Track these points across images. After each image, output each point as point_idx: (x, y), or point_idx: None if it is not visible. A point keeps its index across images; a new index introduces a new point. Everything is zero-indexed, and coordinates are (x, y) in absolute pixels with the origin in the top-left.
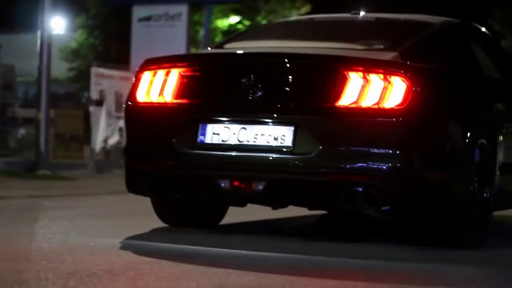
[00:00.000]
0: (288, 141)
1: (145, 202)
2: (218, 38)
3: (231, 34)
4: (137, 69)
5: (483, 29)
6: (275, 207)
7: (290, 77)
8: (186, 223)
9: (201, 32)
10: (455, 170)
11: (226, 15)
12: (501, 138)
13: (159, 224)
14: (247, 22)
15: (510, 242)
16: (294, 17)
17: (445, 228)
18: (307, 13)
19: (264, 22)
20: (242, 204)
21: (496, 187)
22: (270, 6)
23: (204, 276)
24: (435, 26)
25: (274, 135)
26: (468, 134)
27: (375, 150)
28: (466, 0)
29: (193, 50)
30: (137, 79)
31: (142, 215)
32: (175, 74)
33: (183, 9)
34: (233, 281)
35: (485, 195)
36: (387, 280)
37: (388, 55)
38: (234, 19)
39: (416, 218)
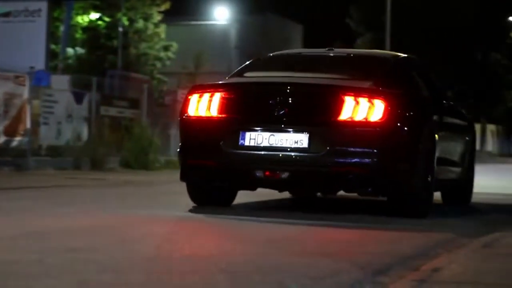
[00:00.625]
0: (305, 144)
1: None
2: (79, 35)
3: (91, 30)
4: (187, 93)
5: (417, 58)
6: (295, 193)
7: (304, 99)
8: (209, 203)
9: (61, 28)
10: (414, 163)
11: (86, 11)
12: (437, 140)
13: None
14: (107, 19)
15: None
16: (285, 50)
17: (407, 202)
18: (167, 11)
19: (124, 19)
20: (272, 188)
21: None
22: (131, 3)
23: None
24: (391, 60)
25: (295, 139)
26: (422, 138)
27: (363, 150)
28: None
29: (54, 47)
30: (187, 100)
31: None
32: (217, 96)
33: (42, 5)
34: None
35: (429, 180)
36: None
37: (366, 84)
38: (94, 15)
39: (389, 196)
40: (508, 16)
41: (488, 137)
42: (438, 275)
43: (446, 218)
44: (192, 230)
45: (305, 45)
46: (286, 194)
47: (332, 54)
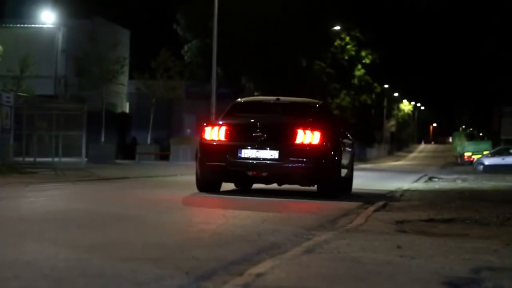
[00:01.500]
0: (276, 156)
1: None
2: None
3: None
4: (203, 126)
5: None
6: (270, 183)
7: (275, 131)
8: (211, 191)
9: None
10: (333, 168)
11: None
12: (342, 154)
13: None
14: None
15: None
16: (251, 98)
17: (333, 190)
18: None
19: None
20: (257, 182)
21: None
22: None
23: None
24: (317, 104)
25: (270, 154)
26: (337, 153)
27: (309, 159)
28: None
29: None
30: (203, 130)
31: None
32: (223, 129)
33: None
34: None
35: (339, 177)
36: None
37: (307, 121)
38: None
39: (318, 186)
40: (333, 25)
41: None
42: (261, 280)
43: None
44: (19, 233)
45: (133, 50)
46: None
47: (282, 102)
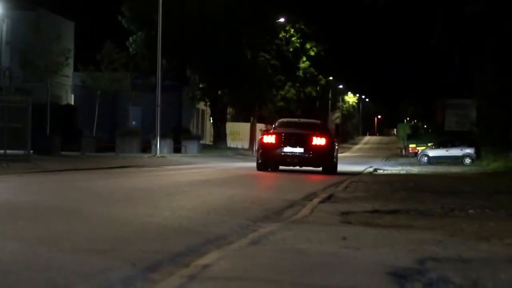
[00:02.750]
0: (302, 151)
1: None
2: None
3: None
4: (262, 133)
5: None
6: (297, 166)
7: (301, 138)
8: (264, 170)
9: None
10: (333, 157)
11: None
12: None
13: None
14: None
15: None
16: (286, 119)
17: (330, 170)
18: None
19: None
20: (292, 166)
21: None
22: None
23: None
24: (319, 122)
25: (298, 150)
26: (334, 149)
27: (318, 153)
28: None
29: None
30: (263, 136)
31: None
32: (273, 136)
33: None
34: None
35: (335, 162)
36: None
37: (318, 132)
38: None
39: (324, 168)
40: (278, 17)
41: (258, 135)
42: (207, 271)
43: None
44: None
45: (77, 42)
46: None
47: (301, 121)
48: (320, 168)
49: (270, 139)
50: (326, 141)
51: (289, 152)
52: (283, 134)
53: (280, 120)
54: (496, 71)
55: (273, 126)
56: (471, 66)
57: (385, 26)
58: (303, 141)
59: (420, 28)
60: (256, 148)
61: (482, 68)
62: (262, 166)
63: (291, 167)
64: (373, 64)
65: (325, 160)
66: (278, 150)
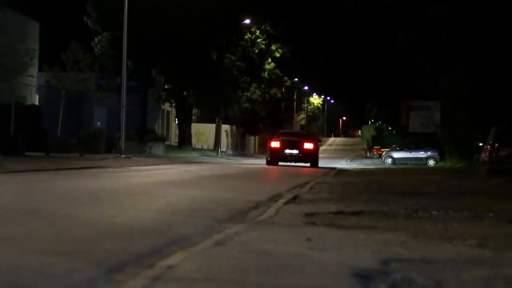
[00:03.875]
0: (298, 153)
1: None
2: None
3: None
4: (273, 138)
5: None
6: (294, 162)
7: (297, 143)
8: (272, 165)
9: None
10: (317, 156)
11: None
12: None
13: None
14: None
15: None
16: (287, 130)
17: (315, 165)
18: None
19: None
20: (291, 162)
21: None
22: None
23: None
24: (307, 133)
25: (295, 151)
26: (317, 149)
27: (308, 153)
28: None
29: None
30: (271, 140)
31: None
32: (278, 141)
33: None
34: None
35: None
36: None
37: (308, 138)
38: None
39: (311, 163)
40: (244, 18)
41: (223, 136)
42: (172, 272)
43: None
44: None
45: (42, 43)
46: None
47: (296, 132)
48: (308, 164)
49: (275, 144)
50: (313, 146)
51: (288, 153)
52: (284, 141)
53: (281, 131)
54: (460, 73)
55: (277, 134)
56: (435, 68)
57: (351, 28)
58: (297, 145)
59: (386, 29)
60: (267, 150)
61: (446, 70)
62: (270, 162)
63: (288, 164)
64: (338, 65)
65: (311, 158)
66: (281, 152)
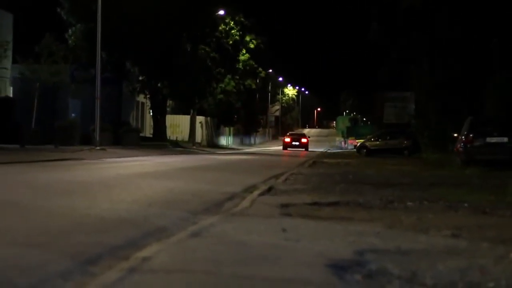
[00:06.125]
0: (298, 144)
1: None
2: None
3: None
4: (285, 136)
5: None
6: (297, 149)
7: (299, 138)
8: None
9: None
10: (308, 146)
11: None
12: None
13: None
14: None
15: None
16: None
17: (307, 150)
18: None
19: None
20: (296, 149)
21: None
22: None
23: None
24: (303, 133)
25: (297, 143)
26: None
27: (305, 144)
28: None
29: None
30: (284, 137)
31: None
32: (289, 138)
33: None
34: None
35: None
36: None
37: (303, 134)
38: None
39: (306, 149)
40: (218, 9)
41: (198, 128)
42: (147, 264)
43: None
44: None
45: (16, 34)
46: None
47: (297, 132)
48: (303, 149)
49: (287, 139)
50: (306, 140)
51: (294, 144)
52: (292, 136)
53: (289, 133)
54: (431, 64)
55: (287, 135)
56: (408, 59)
57: (325, 19)
58: (298, 140)
59: (360, 20)
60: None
61: (419, 61)
62: (284, 148)
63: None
64: (313, 57)
65: (305, 146)
66: (290, 143)
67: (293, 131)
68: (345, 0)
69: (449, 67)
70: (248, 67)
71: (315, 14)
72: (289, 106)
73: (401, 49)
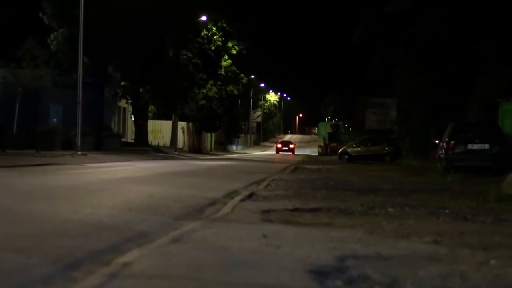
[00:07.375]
0: (287, 149)
1: None
2: None
3: None
4: (277, 142)
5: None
6: (288, 153)
7: (288, 145)
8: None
9: None
10: (295, 150)
11: None
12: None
13: None
14: None
15: None
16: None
17: (293, 153)
18: None
19: None
20: (285, 152)
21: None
22: None
23: None
24: (291, 140)
25: (287, 148)
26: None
27: (293, 149)
28: None
29: None
30: (277, 144)
31: None
32: (280, 144)
33: None
34: None
35: None
36: None
37: (291, 142)
38: None
39: (293, 153)
40: (201, 15)
41: (180, 133)
42: (128, 269)
43: None
44: None
45: None
46: None
47: (287, 140)
48: (291, 153)
49: (279, 145)
50: (293, 146)
51: (284, 149)
52: (283, 143)
53: (280, 140)
54: (414, 70)
55: (279, 141)
56: (391, 65)
57: (307, 25)
58: (287, 145)
59: (343, 25)
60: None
61: (402, 67)
62: (277, 152)
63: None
64: (295, 63)
65: (293, 151)
66: (281, 148)
67: (275, 137)
68: (328, 5)
69: (434, 69)
70: (230, 73)
71: (298, 18)
72: (271, 112)
73: (385, 51)
